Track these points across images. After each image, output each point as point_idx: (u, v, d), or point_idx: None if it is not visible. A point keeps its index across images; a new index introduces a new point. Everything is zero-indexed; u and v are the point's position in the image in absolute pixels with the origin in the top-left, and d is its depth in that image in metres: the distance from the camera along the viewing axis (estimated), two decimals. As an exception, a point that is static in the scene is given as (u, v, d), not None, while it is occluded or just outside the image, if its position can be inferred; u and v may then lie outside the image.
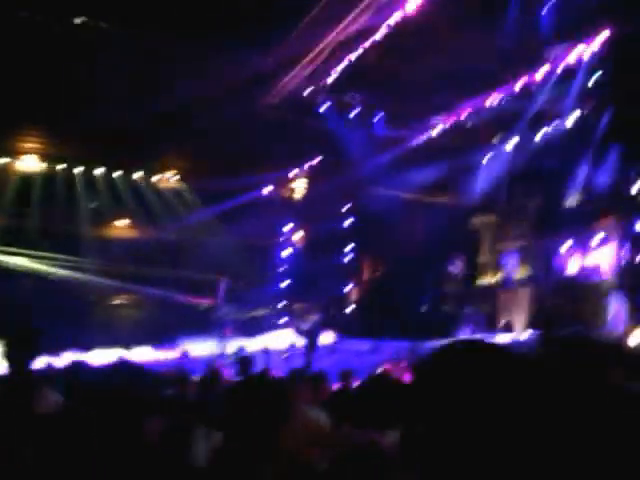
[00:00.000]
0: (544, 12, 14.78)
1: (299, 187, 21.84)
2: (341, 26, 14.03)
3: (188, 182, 20.56)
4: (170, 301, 18.66)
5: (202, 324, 17.40)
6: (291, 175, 21.63)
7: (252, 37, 13.62)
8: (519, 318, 17.09)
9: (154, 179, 20.66)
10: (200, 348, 16.36)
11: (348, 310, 21.10)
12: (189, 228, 19.76)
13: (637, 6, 13.09)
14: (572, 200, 17.07)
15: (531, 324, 16.10)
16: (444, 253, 18.94)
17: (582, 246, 16.41)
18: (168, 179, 20.72)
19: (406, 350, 13.90)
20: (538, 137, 17.79)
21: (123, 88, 14.74)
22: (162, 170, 20.57)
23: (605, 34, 14.79)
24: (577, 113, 17.02)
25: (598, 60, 15.23)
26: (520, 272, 18.06)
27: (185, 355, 15.75)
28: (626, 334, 12.83)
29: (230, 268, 18.63)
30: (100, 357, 12.88)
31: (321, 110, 18.04)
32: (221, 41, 13.63)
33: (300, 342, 17.20)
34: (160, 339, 16.70)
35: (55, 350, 11.96)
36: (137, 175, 20.42)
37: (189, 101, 14.63)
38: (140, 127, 15.98)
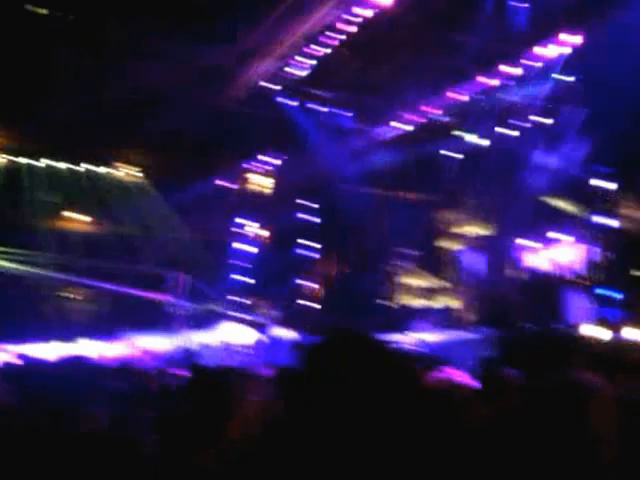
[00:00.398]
0: (519, 10, 14.94)
1: (262, 181, 21.72)
2: (310, 19, 13.94)
3: (148, 176, 20.36)
4: (124, 295, 18.41)
5: (157, 318, 17.25)
6: (254, 169, 21.50)
7: (218, 28, 13.43)
8: (477, 313, 17.18)
9: (112, 172, 20.37)
10: (154, 342, 16.18)
11: (311, 306, 21.03)
12: (147, 222, 19.54)
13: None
14: (533, 196, 17.21)
15: (490, 319, 16.18)
16: (406, 247, 18.98)
17: (543, 241, 16.58)
18: (127, 172, 20.45)
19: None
20: (506, 133, 17.93)
21: (83, 81, 14.53)
22: (121, 163, 20.30)
23: (579, 35, 14.97)
24: (546, 110, 17.20)
25: (571, 60, 15.43)
26: (480, 267, 18.17)
27: (138, 349, 15.56)
28: (587, 328, 12.93)
29: (188, 262, 18.49)
30: (50, 351, 12.68)
31: (286, 104, 17.91)
32: (185, 32, 13.44)
33: (258, 337, 17.09)
34: (112, 333, 16.47)
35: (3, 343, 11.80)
36: (94, 168, 20.15)
37: (151, 94, 14.48)
38: (96, 120, 15.80)
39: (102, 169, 20.33)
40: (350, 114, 18.57)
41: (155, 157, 19.32)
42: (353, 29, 14.57)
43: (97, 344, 16.06)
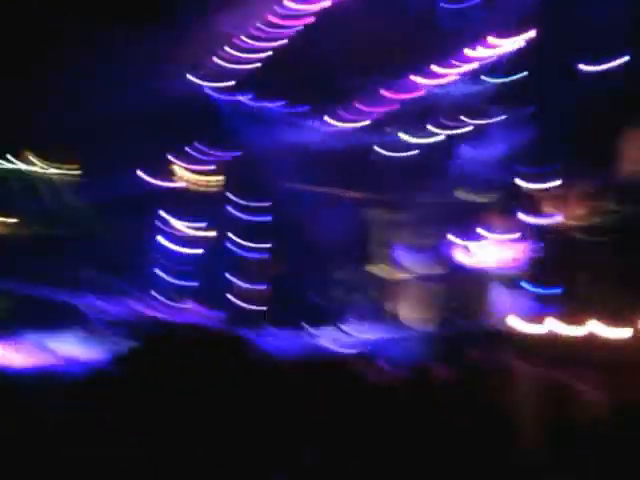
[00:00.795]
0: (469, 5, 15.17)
1: (201, 178, 21.45)
2: (250, 11, 13.86)
3: (70, 174, 19.75)
4: (40, 296, 17.89)
5: (75, 321, 16.73)
6: (192, 165, 21.21)
7: (156, 18, 13.25)
8: (411, 310, 17.36)
9: (31, 170, 19.76)
10: (70, 347, 15.66)
11: (254, 305, 20.94)
12: (73, 221, 19.06)
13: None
14: (469, 193, 17.46)
15: (422, 315, 16.43)
16: (347, 246, 19.06)
17: (473, 238, 16.86)
18: (46, 171, 19.87)
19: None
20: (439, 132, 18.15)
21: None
22: (41, 161, 19.71)
23: (531, 34, 15.23)
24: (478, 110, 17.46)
25: (519, 59, 15.70)
26: (414, 264, 18.35)
27: (52, 353, 15.05)
28: (521, 324, 13.25)
29: (117, 263, 18.08)
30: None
31: (226, 98, 17.78)
32: (121, 21, 13.23)
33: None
34: (21, 336, 15.98)
35: None
36: (14, 165, 19.47)
37: (76, 87, 14.16)
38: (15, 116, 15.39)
39: (24, 166, 19.56)
40: (292, 108, 18.57)
41: (83, 155, 18.68)
42: (295, 23, 14.58)
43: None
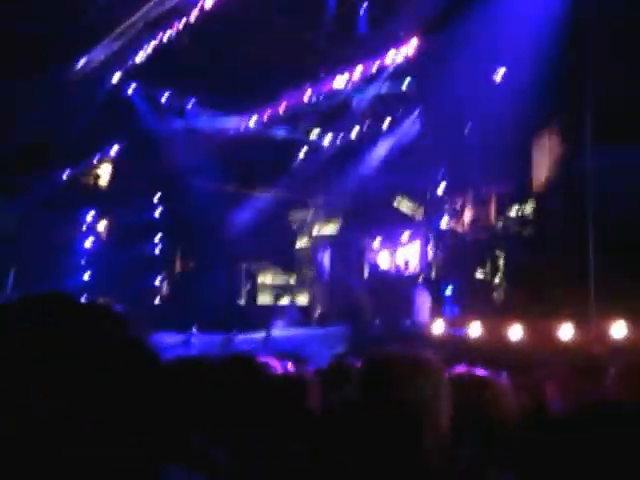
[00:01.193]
0: (360, 13, 15.35)
1: (103, 174, 20.96)
2: (152, 4, 13.69)
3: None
4: None
5: None
6: (95, 161, 20.71)
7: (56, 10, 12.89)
8: (332, 311, 17.56)
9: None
10: None
11: (157, 303, 20.72)
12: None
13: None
14: (380, 197, 17.81)
15: (342, 316, 16.62)
16: (261, 246, 19.08)
17: (391, 242, 17.19)
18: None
19: (219, 343, 13.90)
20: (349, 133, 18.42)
21: None
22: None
23: (414, 41, 15.58)
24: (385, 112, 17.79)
25: (408, 66, 16.03)
26: (334, 266, 18.56)
27: None
28: (430, 325, 13.54)
29: (23, 262, 17.62)
30: None
31: (128, 93, 17.65)
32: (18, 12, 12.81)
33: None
34: None
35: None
36: None
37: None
38: None
39: None
40: (200, 106, 18.49)
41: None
42: (197, 16, 14.47)
43: None
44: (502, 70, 14.66)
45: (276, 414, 2.69)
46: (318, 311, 18.14)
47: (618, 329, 10.54)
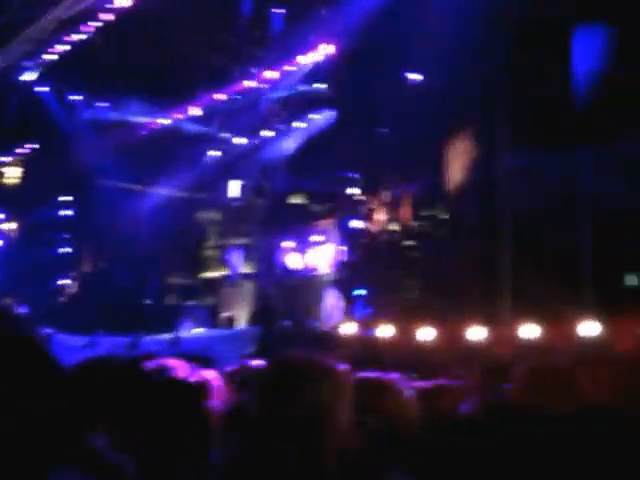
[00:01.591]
0: (275, 16, 15.35)
1: (11, 173, 20.46)
2: (64, 3, 13.41)
3: None
4: None
5: None
6: (4, 161, 20.26)
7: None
8: (241, 312, 17.44)
9: None
10: None
11: (64, 303, 20.26)
12: None
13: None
14: (296, 199, 17.80)
15: (253, 318, 16.54)
16: (169, 246, 18.84)
17: (303, 244, 17.17)
18: None
19: (125, 345, 13.66)
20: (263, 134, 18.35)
21: None
22: None
23: (330, 44, 15.63)
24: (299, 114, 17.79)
25: (323, 67, 16.08)
26: (244, 267, 18.46)
27: None
28: (340, 326, 13.55)
29: None
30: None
31: (40, 92, 17.18)
32: None
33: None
34: None
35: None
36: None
37: None
38: None
39: None
40: (107, 104, 18.16)
41: None
42: (111, 17, 14.27)
43: None
44: (417, 74, 14.79)
45: (177, 416, 2.62)
46: (227, 312, 18.00)
47: (528, 331, 10.71)
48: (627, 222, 11.11)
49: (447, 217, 14.28)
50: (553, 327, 10.54)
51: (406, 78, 14.77)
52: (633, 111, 11.28)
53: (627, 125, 11.35)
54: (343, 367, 2.14)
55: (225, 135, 19.12)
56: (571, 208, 11.69)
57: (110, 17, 14.32)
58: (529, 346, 9.99)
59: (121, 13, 14.25)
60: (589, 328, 10.14)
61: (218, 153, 19.20)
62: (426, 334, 11.77)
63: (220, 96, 17.40)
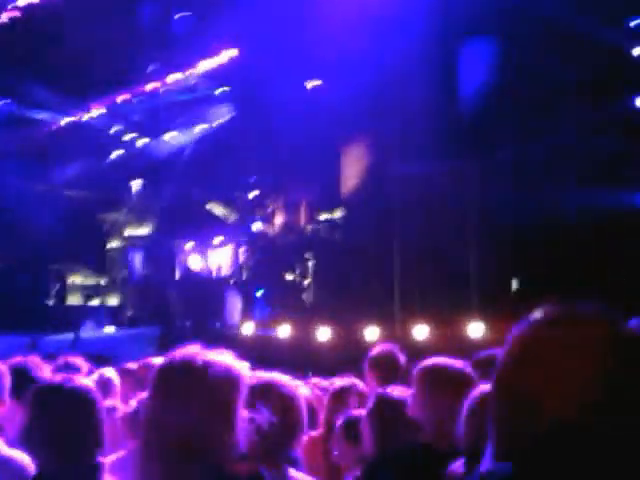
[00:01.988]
0: (179, 21, 15.36)
1: None
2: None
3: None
4: None
5: None
6: None
7: None
8: (143, 312, 17.39)
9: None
10: None
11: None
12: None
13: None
14: (197, 200, 17.84)
15: (154, 317, 16.52)
16: (71, 246, 18.55)
17: (204, 244, 17.25)
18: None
19: (24, 345, 13.46)
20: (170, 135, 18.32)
21: None
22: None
23: (233, 52, 15.74)
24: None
25: (224, 72, 16.16)
26: (146, 268, 18.39)
27: None
28: (240, 325, 13.72)
29: None
30: None
31: None
32: None
33: None
34: None
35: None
36: None
37: None
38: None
39: None
40: (9, 100, 17.81)
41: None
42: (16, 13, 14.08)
43: None
44: (315, 81, 15.08)
45: (76, 415, 2.68)
46: (129, 312, 17.92)
47: (420, 331, 11.12)
48: (513, 228, 11.65)
49: (341, 221, 14.64)
50: (442, 328, 10.99)
51: (306, 84, 15.05)
52: (518, 122, 11.87)
53: (512, 135, 11.94)
54: (241, 364, 2.23)
55: (128, 135, 18.99)
56: (459, 213, 12.20)
57: (15, 14, 14.09)
58: (420, 346, 10.37)
59: (25, 10, 14.03)
60: (476, 329, 10.65)
61: (121, 152, 19.05)
62: (322, 334, 12.07)
63: (123, 96, 17.30)
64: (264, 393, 2.65)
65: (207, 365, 2.14)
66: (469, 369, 3.22)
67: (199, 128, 18.08)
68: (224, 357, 2.19)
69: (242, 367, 2.20)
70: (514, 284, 12.31)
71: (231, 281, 16.08)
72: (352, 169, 13.99)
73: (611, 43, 11.38)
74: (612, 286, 9.41)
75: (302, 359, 10.79)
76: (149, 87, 17.01)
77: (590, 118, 11.22)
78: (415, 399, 3.20)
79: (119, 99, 17.38)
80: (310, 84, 15.08)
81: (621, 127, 11.43)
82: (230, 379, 2.15)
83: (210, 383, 2.12)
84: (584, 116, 11.25)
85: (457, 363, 3.23)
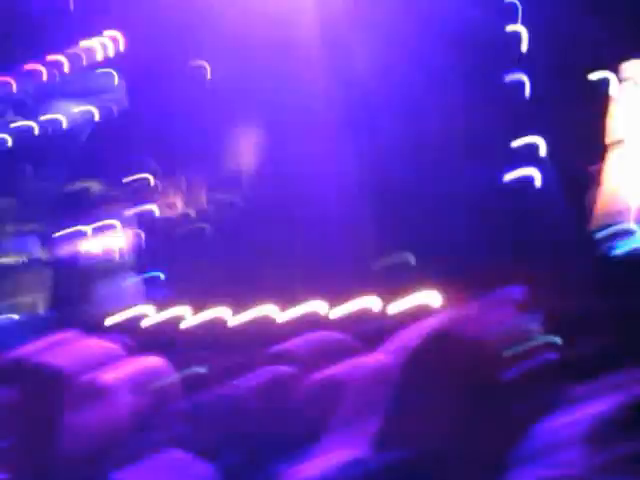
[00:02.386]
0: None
1: None
2: None
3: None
4: None
5: None
6: None
7: None
8: (37, 298, 17.11)
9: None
10: None
11: None
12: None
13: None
14: (91, 185, 17.57)
15: (47, 303, 16.31)
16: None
17: (98, 228, 17.03)
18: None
19: None
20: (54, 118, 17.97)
21: None
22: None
23: (116, 33, 15.53)
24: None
25: (109, 59, 15.94)
26: (37, 253, 18.06)
27: None
28: (135, 309, 13.70)
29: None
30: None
31: None
32: None
33: None
34: None
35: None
36: None
37: None
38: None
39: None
40: None
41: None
42: None
43: None
44: (207, 67, 15.04)
45: None
46: (20, 299, 17.59)
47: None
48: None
49: (237, 201, 14.74)
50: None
51: (192, 68, 14.99)
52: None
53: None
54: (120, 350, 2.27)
55: (9, 117, 18.52)
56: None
57: None
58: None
59: None
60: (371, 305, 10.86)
61: (7, 136, 18.59)
62: (220, 315, 12.18)
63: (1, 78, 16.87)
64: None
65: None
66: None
67: (84, 109, 17.78)
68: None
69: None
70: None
71: (127, 264, 15.97)
72: (247, 150, 14.10)
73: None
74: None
75: (200, 341, 10.86)
76: (28, 67, 16.63)
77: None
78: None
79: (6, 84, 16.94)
80: (206, 70, 15.01)
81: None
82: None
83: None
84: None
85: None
